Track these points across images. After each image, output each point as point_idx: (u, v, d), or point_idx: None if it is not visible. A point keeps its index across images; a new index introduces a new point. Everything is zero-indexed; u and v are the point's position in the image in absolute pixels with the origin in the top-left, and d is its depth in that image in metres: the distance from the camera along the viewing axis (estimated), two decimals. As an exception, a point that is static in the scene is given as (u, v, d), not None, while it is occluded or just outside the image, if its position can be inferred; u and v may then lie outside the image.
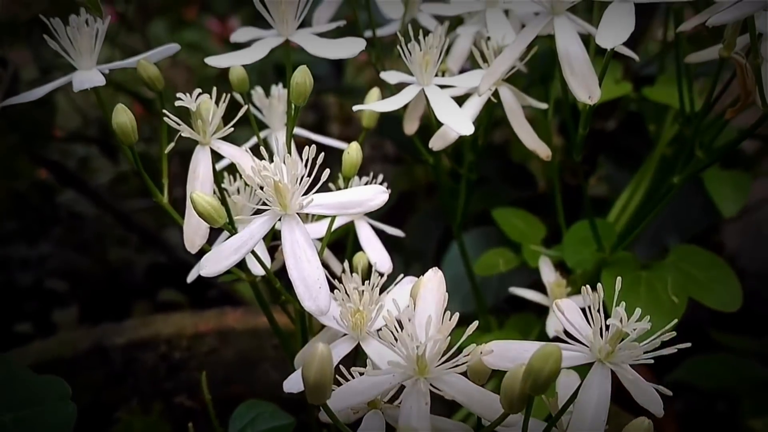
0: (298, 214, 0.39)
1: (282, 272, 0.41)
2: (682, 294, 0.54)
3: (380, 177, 0.52)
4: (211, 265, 0.40)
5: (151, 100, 1.34)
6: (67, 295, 1.35)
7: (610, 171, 0.81)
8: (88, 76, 0.42)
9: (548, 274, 0.57)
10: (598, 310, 0.35)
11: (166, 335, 0.78)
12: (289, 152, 0.39)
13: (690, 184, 0.84)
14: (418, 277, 0.41)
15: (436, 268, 0.41)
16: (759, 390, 0.85)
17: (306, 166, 0.39)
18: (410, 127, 0.54)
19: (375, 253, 0.50)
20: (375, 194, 0.41)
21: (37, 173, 1.33)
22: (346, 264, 0.49)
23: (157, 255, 1.30)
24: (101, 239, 1.45)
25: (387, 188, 0.41)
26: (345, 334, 0.43)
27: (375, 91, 0.49)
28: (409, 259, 1.11)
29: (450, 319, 0.36)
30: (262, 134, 0.53)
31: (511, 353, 0.37)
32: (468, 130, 0.43)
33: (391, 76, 0.48)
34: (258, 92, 0.52)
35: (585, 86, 0.40)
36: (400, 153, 1.29)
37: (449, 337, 0.35)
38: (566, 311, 0.37)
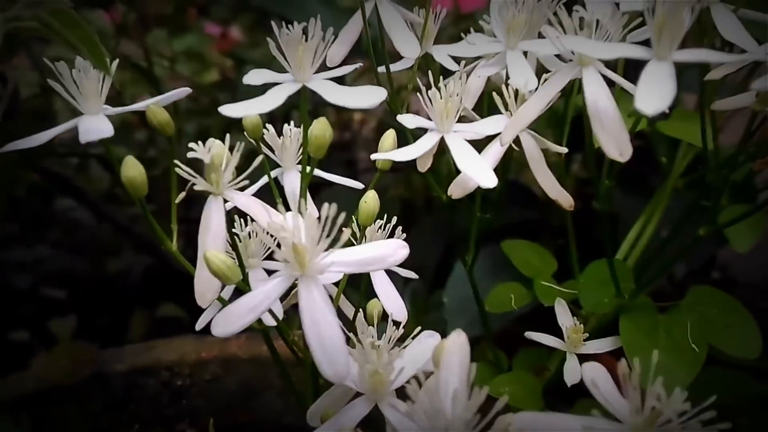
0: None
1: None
2: (702, 340, 0.53)
3: (394, 220, 0.51)
4: (224, 326, 0.38)
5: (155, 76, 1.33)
6: (64, 302, 1.33)
7: (620, 200, 0.80)
8: (96, 125, 0.40)
9: (565, 318, 0.55)
10: (635, 388, 0.34)
11: (167, 362, 0.77)
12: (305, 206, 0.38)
13: (697, 213, 0.83)
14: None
15: (460, 330, 0.40)
16: (757, 407, 0.84)
17: (324, 223, 0.37)
18: (424, 165, 0.52)
19: (390, 301, 0.49)
20: (395, 250, 0.40)
21: (35, 177, 1.31)
22: (360, 316, 0.48)
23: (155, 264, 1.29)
24: (99, 246, 1.43)
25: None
26: (361, 393, 0.41)
27: (390, 135, 0.47)
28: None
29: (480, 392, 0.35)
30: (273, 173, 0.52)
31: (539, 425, 0.35)
32: (491, 182, 0.42)
33: (408, 120, 0.47)
34: (270, 132, 0.50)
35: (616, 143, 0.39)
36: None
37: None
38: (598, 382, 0.36)
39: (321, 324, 0.37)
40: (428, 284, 1.11)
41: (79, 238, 1.47)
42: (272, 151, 0.51)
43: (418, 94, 0.44)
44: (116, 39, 1.30)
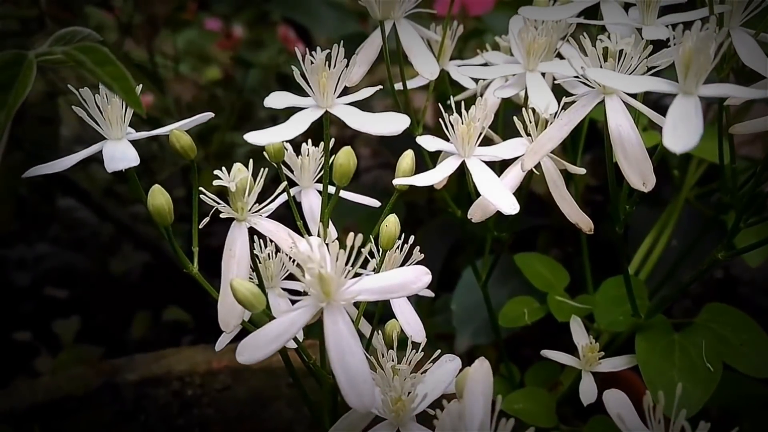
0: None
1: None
2: (717, 360, 0.53)
3: (411, 239, 0.51)
4: (249, 353, 0.39)
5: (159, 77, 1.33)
6: (66, 301, 1.34)
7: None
8: (121, 152, 0.40)
9: (580, 336, 0.55)
10: (660, 422, 0.34)
11: (178, 372, 0.77)
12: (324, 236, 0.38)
13: (704, 220, 0.83)
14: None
15: (483, 358, 0.40)
16: (760, 410, 0.84)
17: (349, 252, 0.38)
18: (440, 184, 0.53)
19: (409, 323, 0.49)
20: (418, 277, 0.40)
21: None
22: (379, 338, 0.48)
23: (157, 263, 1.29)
24: (101, 244, 1.43)
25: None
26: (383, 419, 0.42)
27: (408, 156, 0.47)
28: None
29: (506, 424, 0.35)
30: (292, 191, 0.52)
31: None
32: (513, 209, 0.42)
33: (428, 142, 0.47)
34: (288, 151, 0.50)
35: (639, 172, 0.39)
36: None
37: None
38: (623, 416, 0.36)
39: (347, 354, 0.37)
40: (433, 288, 1.12)
41: (81, 236, 1.47)
42: (289, 168, 0.52)
43: (440, 119, 0.44)
44: (121, 39, 1.30)
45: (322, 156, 0.48)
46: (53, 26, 0.97)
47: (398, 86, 0.54)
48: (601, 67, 0.40)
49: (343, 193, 0.53)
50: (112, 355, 1.16)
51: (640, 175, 0.39)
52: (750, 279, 1.21)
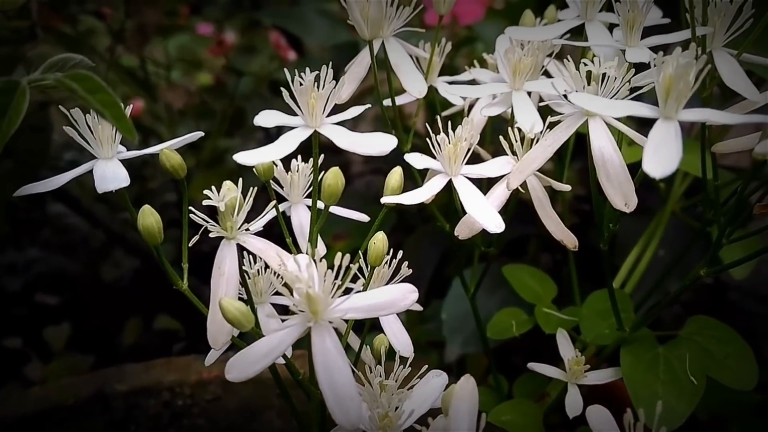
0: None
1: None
2: (701, 373, 0.54)
3: (400, 254, 0.51)
4: (238, 371, 0.39)
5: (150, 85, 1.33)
6: (57, 307, 1.34)
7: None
8: (112, 172, 0.40)
9: (566, 349, 0.56)
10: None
11: (168, 382, 0.77)
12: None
13: (690, 230, 0.84)
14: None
15: (469, 375, 0.41)
16: (747, 415, 0.85)
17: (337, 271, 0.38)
18: (429, 199, 0.53)
19: (396, 337, 0.50)
20: (404, 294, 0.41)
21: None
22: (367, 351, 0.49)
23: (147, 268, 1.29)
24: (91, 250, 1.43)
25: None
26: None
27: (397, 172, 0.48)
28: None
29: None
30: (281, 207, 0.52)
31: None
32: (498, 227, 0.43)
33: (416, 160, 0.48)
34: (278, 167, 0.51)
35: (621, 194, 0.40)
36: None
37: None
38: (602, 428, 0.37)
39: (334, 372, 0.37)
40: (423, 295, 1.12)
41: (72, 241, 1.47)
42: (279, 184, 0.52)
43: (427, 139, 0.45)
44: (113, 45, 1.31)
45: (311, 172, 0.49)
46: (44, 35, 0.97)
47: (387, 101, 0.55)
48: (584, 88, 0.41)
49: (333, 208, 0.54)
50: (103, 362, 1.16)
51: (622, 197, 0.40)
52: (739, 284, 1.22)
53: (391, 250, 0.51)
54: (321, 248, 0.49)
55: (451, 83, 0.58)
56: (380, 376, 0.43)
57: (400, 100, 0.55)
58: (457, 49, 1.31)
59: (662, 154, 0.33)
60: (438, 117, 0.45)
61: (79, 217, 1.25)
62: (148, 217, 0.39)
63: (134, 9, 1.21)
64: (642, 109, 0.36)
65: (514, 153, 0.47)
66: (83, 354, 1.19)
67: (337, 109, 0.45)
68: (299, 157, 0.53)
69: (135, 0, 1.19)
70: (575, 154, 0.65)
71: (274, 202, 0.43)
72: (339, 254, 0.39)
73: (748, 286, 1.20)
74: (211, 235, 0.40)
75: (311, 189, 0.47)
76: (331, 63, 0.43)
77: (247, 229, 0.43)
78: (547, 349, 0.61)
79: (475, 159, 0.49)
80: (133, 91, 1.33)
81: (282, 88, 0.42)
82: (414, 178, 0.55)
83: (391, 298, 0.40)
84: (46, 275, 1.39)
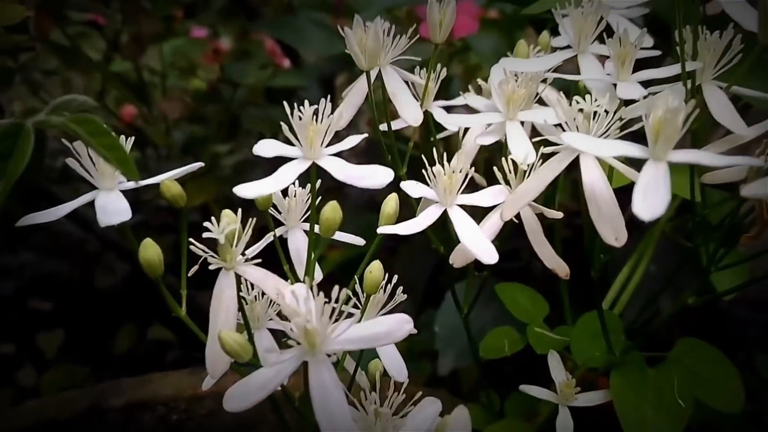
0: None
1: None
2: (689, 395, 0.55)
3: (395, 279, 0.52)
4: (236, 402, 0.40)
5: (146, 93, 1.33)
6: (50, 312, 1.34)
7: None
8: (114, 205, 0.41)
9: (557, 372, 0.57)
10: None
11: (164, 397, 0.78)
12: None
13: (679, 248, 0.85)
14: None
15: (462, 406, 0.42)
16: (739, 424, 0.87)
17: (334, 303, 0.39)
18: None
19: (391, 361, 0.50)
20: (400, 325, 0.42)
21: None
22: (363, 376, 0.50)
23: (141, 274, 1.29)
24: (85, 255, 1.44)
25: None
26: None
27: (392, 199, 0.49)
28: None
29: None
30: (278, 231, 0.53)
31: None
32: (492, 258, 0.44)
33: (412, 188, 0.48)
34: (276, 194, 0.51)
35: (612, 228, 0.41)
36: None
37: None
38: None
39: (331, 405, 0.38)
40: (418, 303, 1.13)
41: (65, 244, 1.47)
42: (276, 209, 0.53)
43: (423, 170, 0.46)
44: (108, 53, 1.31)
45: (309, 199, 0.50)
46: (43, 47, 0.98)
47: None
48: (576, 124, 0.42)
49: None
50: (97, 370, 1.16)
51: (612, 231, 0.41)
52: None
53: (386, 275, 0.52)
54: (318, 274, 0.50)
55: (446, 107, 0.59)
56: (375, 404, 0.44)
57: (395, 125, 0.56)
58: (451, 58, 1.32)
59: (651, 197, 0.34)
60: (434, 149, 0.46)
61: (73, 225, 1.26)
62: (150, 250, 0.40)
63: (130, 18, 1.21)
64: (632, 150, 0.37)
65: (507, 182, 0.48)
66: (77, 361, 1.20)
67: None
68: (296, 182, 0.54)
69: (131, 9, 1.20)
70: (569, 167, 0.66)
71: (271, 234, 0.44)
72: (336, 288, 0.39)
73: (740, 293, 1.21)
74: (210, 267, 0.41)
75: (309, 213, 0.48)
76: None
77: (246, 257, 0.44)
78: (540, 361, 0.62)
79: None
80: (126, 97, 1.33)
81: (281, 123, 0.42)
82: (410, 203, 0.56)
83: (386, 328, 0.41)
84: (40, 279, 1.40)
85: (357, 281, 0.48)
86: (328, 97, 0.44)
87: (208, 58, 1.58)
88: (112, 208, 0.41)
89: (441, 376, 0.93)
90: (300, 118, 0.42)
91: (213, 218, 0.42)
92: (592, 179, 0.41)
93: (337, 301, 0.39)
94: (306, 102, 0.44)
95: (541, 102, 0.56)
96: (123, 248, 1.25)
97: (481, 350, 0.66)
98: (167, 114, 1.17)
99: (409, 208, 0.54)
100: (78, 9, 1.05)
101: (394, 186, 0.49)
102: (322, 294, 0.39)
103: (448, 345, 0.94)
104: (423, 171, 0.46)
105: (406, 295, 0.52)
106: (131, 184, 0.44)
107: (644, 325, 0.77)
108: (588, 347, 0.58)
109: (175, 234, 1.39)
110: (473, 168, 0.49)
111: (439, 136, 0.62)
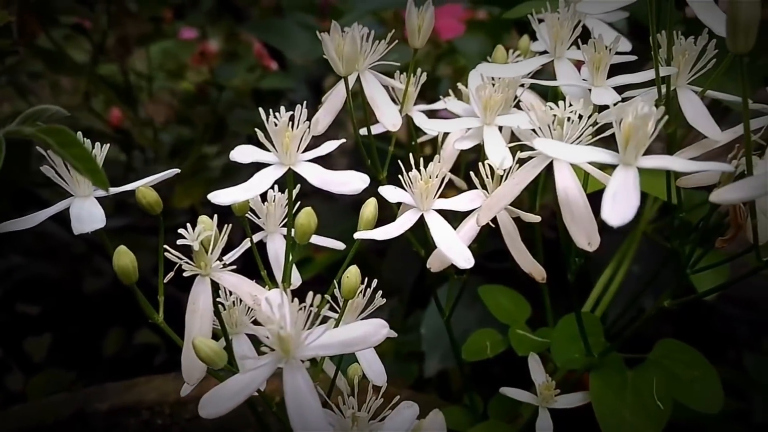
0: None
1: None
2: (667, 396, 0.55)
3: (375, 283, 0.52)
4: (210, 408, 0.40)
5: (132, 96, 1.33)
6: (38, 315, 1.33)
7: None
8: (88, 212, 0.41)
9: (537, 374, 0.57)
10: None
11: (148, 401, 0.78)
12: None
13: (662, 248, 0.86)
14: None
15: (437, 410, 0.42)
16: (724, 422, 0.87)
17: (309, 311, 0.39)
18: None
19: (370, 365, 0.51)
20: (376, 329, 0.42)
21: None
22: (342, 380, 0.50)
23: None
24: (74, 257, 1.43)
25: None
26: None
27: (371, 204, 0.49)
28: (386, 294, 1.11)
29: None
30: (257, 236, 0.53)
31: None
32: (468, 262, 0.44)
33: (390, 193, 0.49)
34: (255, 199, 0.51)
35: (585, 233, 0.41)
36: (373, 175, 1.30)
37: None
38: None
39: (305, 410, 0.38)
40: (405, 304, 1.13)
41: (52, 246, 1.46)
42: (255, 214, 0.53)
43: (399, 176, 0.46)
44: (95, 55, 1.30)
45: (287, 204, 0.50)
46: (27, 51, 0.97)
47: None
48: (550, 129, 0.42)
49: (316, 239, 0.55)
50: (85, 373, 1.16)
51: (585, 236, 0.41)
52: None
53: (366, 279, 0.52)
54: (296, 279, 0.50)
55: (426, 112, 0.59)
56: (353, 409, 0.44)
57: (375, 129, 0.56)
58: (439, 60, 1.32)
59: (620, 203, 0.34)
60: (411, 153, 0.46)
61: (59, 228, 1.25)
62: (124, 258, 0.40)
63: (115, 21, 1.21)
64: (603, 156, 0.38)
65: (484, 187, 0.48)
66: (64, 364, 1.19)
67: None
68: (276, 186, 0.54)
69: (116, 12, 1.20)
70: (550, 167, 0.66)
71: (247, 240, 0.44)
72: (311, 294, 0.40)
73: (727, 290, 1.21)
74: (185, 274, 0.41)
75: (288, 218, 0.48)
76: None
77: (223, 263, 0.44)
78: (526, 360, 0.62)
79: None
80: (112, 100, 1.33)
81: (256, 129, 0.43)
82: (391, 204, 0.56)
83: (362, 333, 0.41)
84: (28, 282, 1.39)
85: (336, 286, 0.49)
86: (305, 103, 0.44)
87: (197, 60, 1.58)
88: (87, 215, 0.41)
89: (429, 378, 0.93)
90: (275, 124, 0.42)
91: (188, 225, 0.42)
92: (566, 185, 0.41)
93: (313, 306, 0.39)
94: (282, 108, 0.44)
95: (521, 106, 0.56)
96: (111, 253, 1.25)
97: (463, 353, 0.67)
98: (153, 117, 1.16)
99: (390, 209, 0.55)
100: (63, 12, 1.04)
101: (375, 188, 0.49)
102: (296, 300, 0.40)
103: (434, 347, 0.94)
104: (400, 176, 0.46)
105: (385, 299, 0.52)
106: (104, 194, 0.44)
107: (627, 325, 0.77)
108: (567, 349, 0.58)
109: (164, 235, 1.38)
110: (455, 171, 0.49)
111: (423, 139, 0.62)
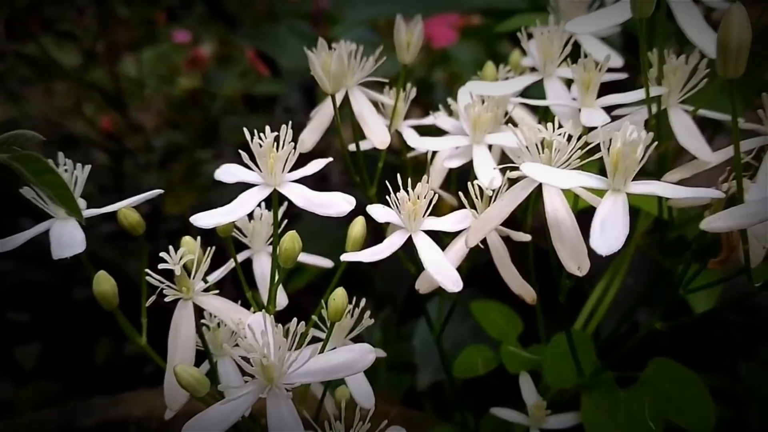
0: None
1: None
2: (659, 417, 0.55)
3: (363, 302, 0.51)
4: (194, 436, 0.39)
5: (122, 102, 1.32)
6: (28, 323, 1.32)
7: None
8: (69, 235, 0.40)
9: (528, 394, 0.57)
10: None
11: (136, 417, 0.77)
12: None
13: (655, 263, 0.85)
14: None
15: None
16: (720, 428, 0.86)
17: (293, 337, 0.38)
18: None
19: (357, 387, 0.50)
20: (362, 355, 0.41)
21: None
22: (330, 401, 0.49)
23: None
24: (65, 263, 1.42)
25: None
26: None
27: (359, 222, 0.48)
28: (379, 303, 1.11)
29: None
30: (244, 254, 0.53)
31: None
32: (456, 286, 0.43)
33: (378, 213, 0.48)
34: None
35: (574, 257, 0.40)
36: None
37: None
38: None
39: (288, 438, 0.38)
40: (399, 313, 1.13)
41: (44, 251, 1.45)
42: (242, 233, 0.52)
43: (387, 197, 0.45)
44: (85, 62, 1.30)
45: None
46: (13, 58, 0.97)
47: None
48: (537, 147, 0.41)
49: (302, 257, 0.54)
50: (74, 384, 1.15)
51: (575, 260, 0.40)
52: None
53: (357, 292, 0.52)
54: (282, 300, 0.49)
55: (415, 127, 0.59)
56: (339, 432, 0.44)
57: (364, 146, 0.56)
58: (432, 66, 1.32)
59: (609, 231, 0.34)
60: (399, 174, 0.45)
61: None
62: (104, 284, 0.39)
63: (106, 27, 1.20)
64: (591, 181, 0.37)
65: (474, 206, 0.47)
66: (55, 373, 1.18)
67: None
68: (262, 204, 0.53)
69: (106, 18, 1.19)
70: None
71: (231, 261, 0.43)
72: (294, 320, 0.39)
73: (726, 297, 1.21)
74: (166, 299, 0.40)
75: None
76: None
77: (206, 283, 0.43)
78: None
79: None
80: (102, 107, 1.32)
81: (240, 151, 0.42)
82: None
83: (347, 359, 0.40)
84: (18, 288, 1.38)
85: (324, 305, 0.48)
86: (290, 123, 0.43)
87: (189, 65, 1.57)
88: (67, 239, 0.40)
89: (422, 391, 0.93)
90: (260, 145, 0.41)
91: (171, 247, 0.41)
92: (555, 208, 0.41)
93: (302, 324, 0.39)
94: (267, 128, 0.43)
95: (513, 122, 0.56)
96: (101, 259, 1.24)
97: (455, 369, 0.66)
98: (143, 124, 1.16)
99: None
100: (52, 20, 1.04)
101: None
102: (280, 327, 0.39)
103: (427, 360, 0.93)
104: (387, 197, 0.46)
105: (373, 320, 0.52)
106: (88, 213, 0.44)
107: (621, 340, 0.77)
108: (559, 368, 0.57)
109: (155, 241, 1.38)
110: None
111: (413, 154, 0.61)
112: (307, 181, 0.45)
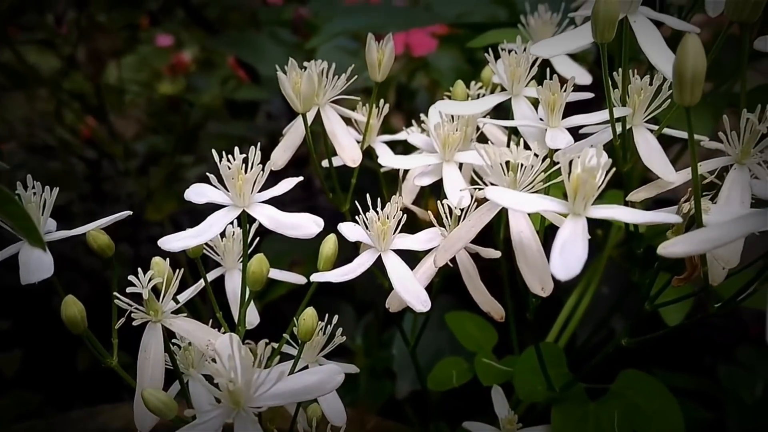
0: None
1: None
2: (628, 428, 0.55)
3: (335, 319, 0.52)
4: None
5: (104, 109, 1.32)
6: (9, 330, 1.32)
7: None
8: (36, 260, 0.40)
9: (500, 407, 0.57)
10: None
11: (113, 429, 0.77)
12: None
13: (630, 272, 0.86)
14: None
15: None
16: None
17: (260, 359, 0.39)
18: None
19: (328, 405, 0.50)
20: (330, 377, 0.41)
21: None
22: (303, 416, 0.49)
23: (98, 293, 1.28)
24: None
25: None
26: None
27: (331, 240, 0.48)
28: (360, 310, 1.11)
29: None
30: (216, 272, 0.53)
31: None
32: (425, 306, 0.44)
33: (348, 232, 0.48)
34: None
35: (538, 278, 0.41)
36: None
37: None
38: None
39: (257, 461, 0.38)
40: (380, 320, 1.13)
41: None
42: (214, 250, 0.52)
43: (356, 216, 0.46)
44: (64, 69, 1.29)
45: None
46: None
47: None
48: (502, 167, 0.42)
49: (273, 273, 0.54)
50: (55, 391, 1.15)
51: (539, 281, 0.41)
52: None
53: (326, 316, 0.52)
54: (253, 318, 0.50)
55: (389, 142, 0.59)
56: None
57: (337, 162, 0.56)
58: (414, 73, 1.32)
59: (568, 256, 0.34)
60: (368, 195, 0.46)
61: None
62: (71, 308, 0.39)
63: (86, 35, 1.20)
64: (553, 205, 0.37)
65: (442, 225, 0.48)
66: (36, 381, 1.18)
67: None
68: (234, 221, 0.53)
69: (87, 26, 1.18)
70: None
71: (200, 281, 0.43)
72: (262, 343, 0.39)
73: (703, 297, 1.22)
74: (134, 323, 0.41)
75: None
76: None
77: (177, 302, 0.43)
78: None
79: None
80: (80, 117, 1.32)
81: (208, 174, 0.42)
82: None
83: (316, 381, 0.41)
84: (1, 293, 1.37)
85: (295, 323, 0.48)
86: (258, 144, 0.43)
87: (170, 70, 1.57)
88: (35, 264, 0.40)
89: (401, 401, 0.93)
90: (228, 168, 0.42)
91: (140, 270, 0.41)
92: (520, 230, 0.41)
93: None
94: (236, 149, 0.43)
95: (485, 138, 0.56)
96: (83, 267, 1.23)
97: (429, 382, 0.66)
98: (123, 132, 1.15)
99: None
100: (29, 29, 1.03)
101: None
102: (248, 350, 0.39)
103: (406, 368, 0.94)
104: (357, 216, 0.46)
105: (345, 337, 0.52)
106: (59, 234, 0.44)
107: (595, 349, 0.77)
108: (530, 382, 0.58)
109: (135, 245, 1.38)
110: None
111: (385, 168, 0.62)
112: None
